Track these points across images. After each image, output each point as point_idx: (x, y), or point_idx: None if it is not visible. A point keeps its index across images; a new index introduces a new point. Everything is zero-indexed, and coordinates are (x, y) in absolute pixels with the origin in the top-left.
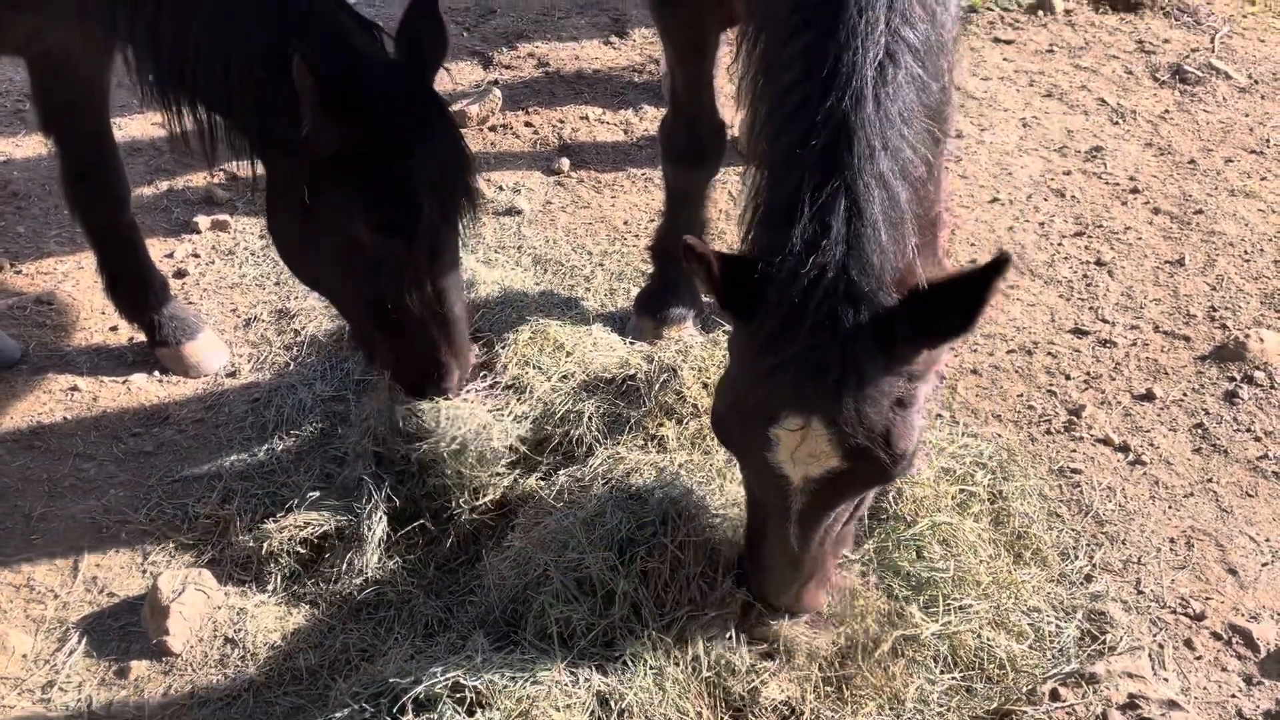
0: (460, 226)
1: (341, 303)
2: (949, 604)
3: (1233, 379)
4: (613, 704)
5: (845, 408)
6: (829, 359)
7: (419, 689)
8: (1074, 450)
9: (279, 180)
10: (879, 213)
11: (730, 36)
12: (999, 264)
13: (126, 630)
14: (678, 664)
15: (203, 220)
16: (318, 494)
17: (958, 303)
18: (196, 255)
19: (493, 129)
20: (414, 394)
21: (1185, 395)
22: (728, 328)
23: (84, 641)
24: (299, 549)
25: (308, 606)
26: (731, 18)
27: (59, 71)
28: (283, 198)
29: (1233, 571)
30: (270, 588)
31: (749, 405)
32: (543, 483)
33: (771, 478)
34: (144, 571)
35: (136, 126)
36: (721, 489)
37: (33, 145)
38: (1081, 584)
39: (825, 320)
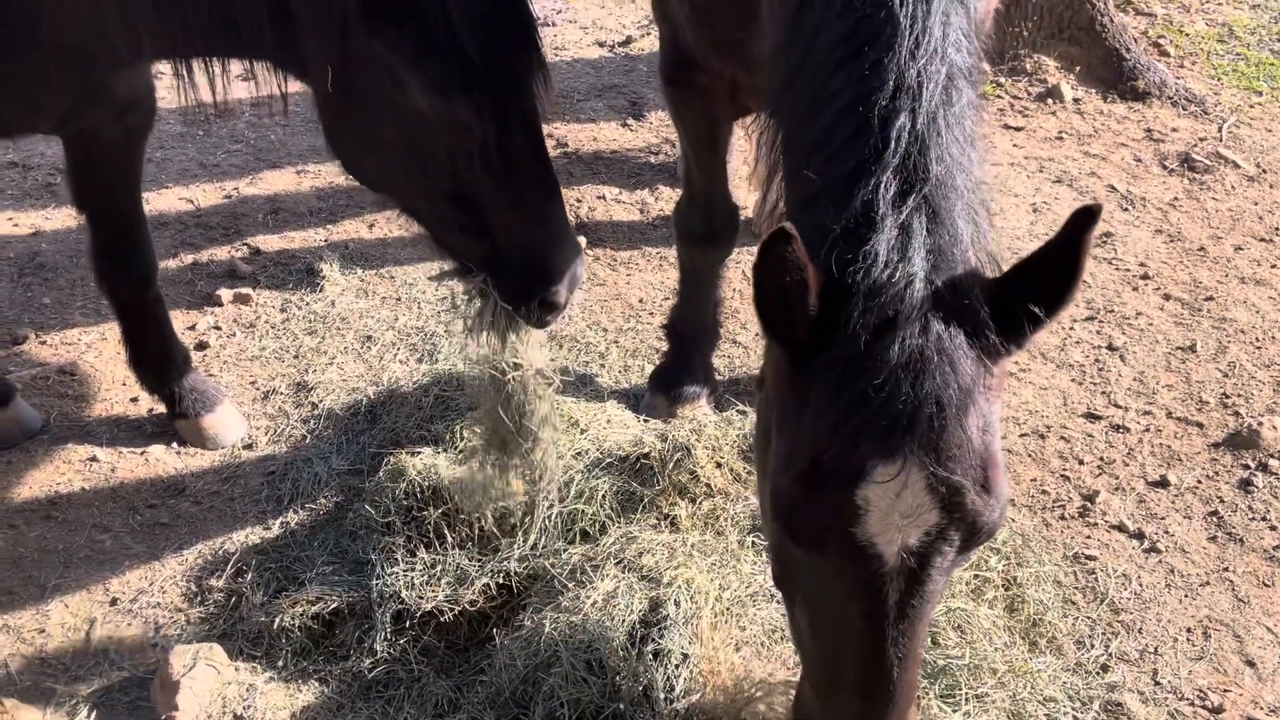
0: (529, 84)
1: (416, 205)
2: (966, 693)
3: (1247, 466)
4: None
5: (949, 430)
6: (925, 374)
7: None
8: (1088, 536)
9: (318, 85)
10: (963, 229)
11: (744, 124)
12: (1088, 214)
13: (135, 705)
14: None
15: (225, 293)
16: (331, 569)
17: (1049, 275)
18: (218, 328)
19: None
20: (517, 302)
21: (1200, 482)
22: (742, 407)
23: (93, 716)
24: (310, 624)
25: (317, 684)
26: (745, 109)
27: (93, 151)
28: (328, 98)
29: (1251, 663)
30: (280, 664)
31: (826, 466)
32: (554, 561)
33: (859, 568)
34: (155, 645)
35: (164, 201)
36: (735, 570)
37: (61, 218)
38: (1098, 674)
39: (919, 332)
